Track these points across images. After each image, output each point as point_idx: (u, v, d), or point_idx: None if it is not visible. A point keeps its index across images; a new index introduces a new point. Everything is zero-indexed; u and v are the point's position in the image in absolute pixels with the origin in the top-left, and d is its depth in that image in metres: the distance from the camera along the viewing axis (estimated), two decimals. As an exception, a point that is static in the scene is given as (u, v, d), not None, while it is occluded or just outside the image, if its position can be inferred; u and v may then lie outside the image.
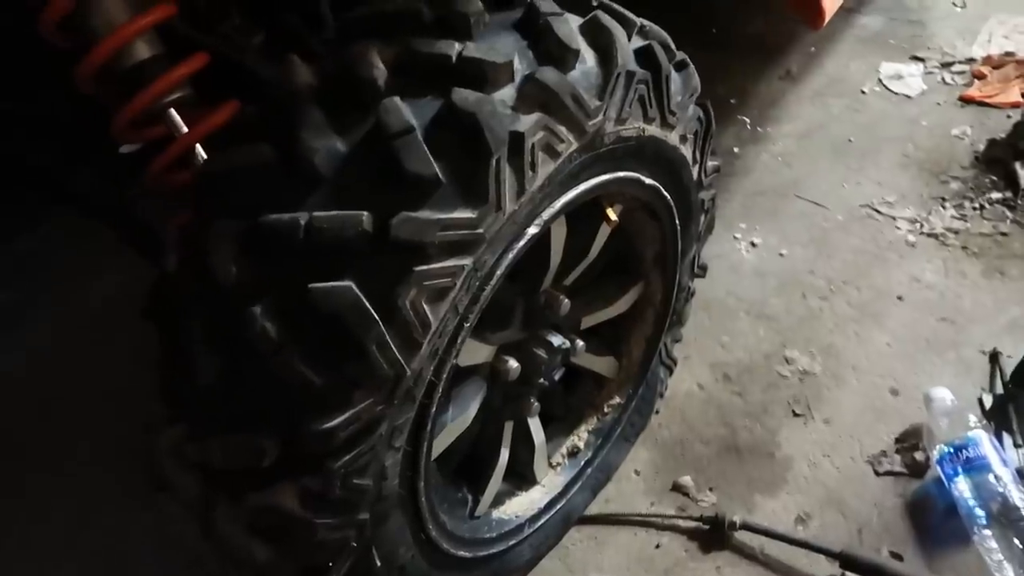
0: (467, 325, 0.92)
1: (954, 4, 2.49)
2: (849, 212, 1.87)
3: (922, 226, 1.81)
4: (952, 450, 1.32)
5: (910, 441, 1.42)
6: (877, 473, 1.39)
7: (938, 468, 1.34)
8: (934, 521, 1.32)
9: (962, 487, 1.29)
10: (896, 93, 2.18)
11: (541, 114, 0.89)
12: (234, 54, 1.29)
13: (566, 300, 1.17)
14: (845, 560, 1.24)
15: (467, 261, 0.86)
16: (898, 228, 1.81)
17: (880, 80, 2.23)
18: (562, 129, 0.92)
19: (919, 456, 1.39)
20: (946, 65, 2.25)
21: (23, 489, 1.48)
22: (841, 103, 2.18)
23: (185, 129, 1.11)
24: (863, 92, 2.21)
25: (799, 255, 1.78)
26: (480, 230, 0.85)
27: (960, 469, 1.30)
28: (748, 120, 2.17)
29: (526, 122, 0.87)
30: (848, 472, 1.40)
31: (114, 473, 1.47)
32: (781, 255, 1.79)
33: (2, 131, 1.39)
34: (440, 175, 0.82)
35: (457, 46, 0.88)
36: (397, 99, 0.84)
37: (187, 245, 0.89)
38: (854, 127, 2.10)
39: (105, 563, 1.37)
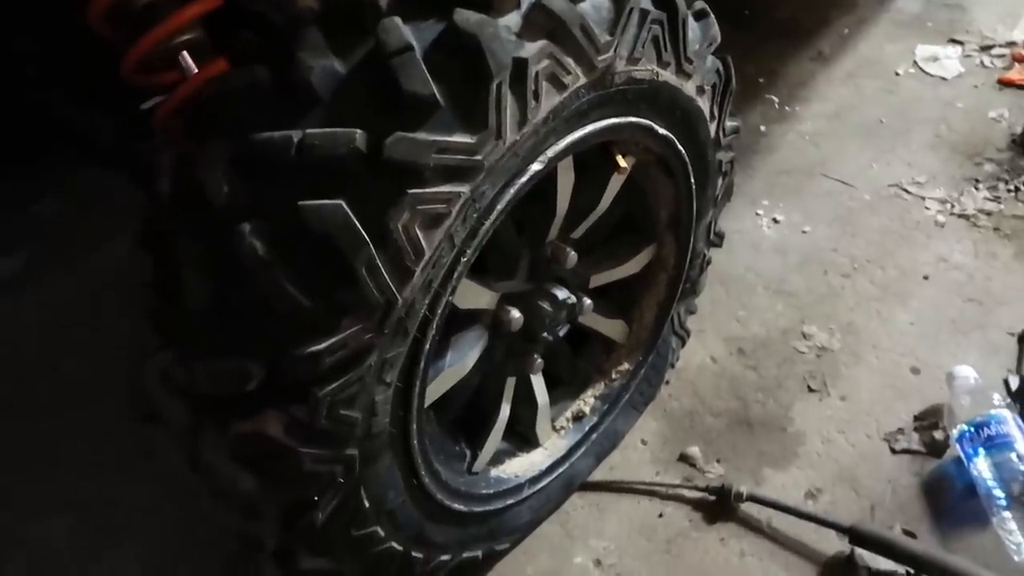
0: (464, 260, 0.89)
1: (996, -11, 2.42)
2: (877, 192, 1.81)
3: (953, 207, 1.75)
4: (973, 428, 1.26)
5: (929, 420, 1.37)
6: (893, 451, 1.34)
7: (957, 447, 1.29)
8: (951, 501, 1.27)
9: (982, 467, 1.24)
10: (932, 75, 2.12)
11: (547, 42, 0.86)
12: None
13: (573, 253, 1.14)
14: (855, 535, 1.19)
15: (464, 188, 0.83)
16: (927, 208, 1.75)
17: (915, 62, 2.17)
18: (569, 61, 0.89)
19: (938, 435, 1.34)
20: (985, 48, 2.18)
21: (25, 448, 1.47)
22: (874, 85, 2.12)
23: (196, 71, 1.10)
24: (897, 74, 2.15)
25: (822, 233, 1.73)
26: (478, 157, 0.82)
27: (981, 448, 1.25)
28: (776, 99, 2.12)
29: (530, 49, 0.84)
30: (863, 449, 1.35)
31: (111, 436, 1.46)
32: (804, 232, 1.74)
33: (17, 71, 1.39)
34: (438, 96, 0.79)
35: (463, -30, 0.85)
36: (397, 19, 0.82)
37: (180, 168, 0.88)
38: (886, 108, 2.04)
39: (102, 518, 1.36)
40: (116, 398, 1.51)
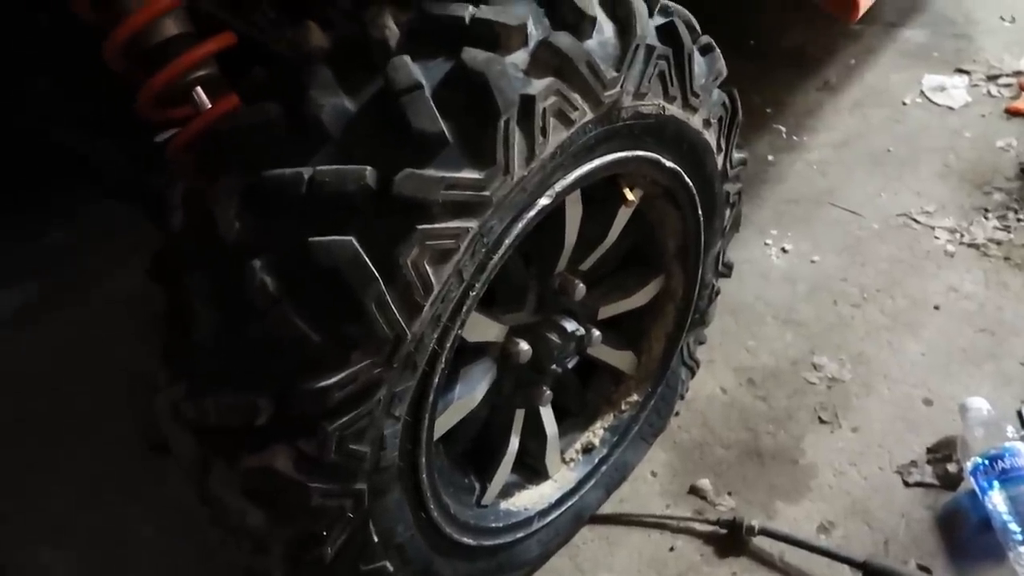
0: (473, 294, 0.89)
1: (1002, 19, 2.42)
2: (885, 221, 1.81)
3: (962, 236, 1.74)
4: (987, 461, 1.25)
5: (943, 452, 1.35)
6: (906, 484, 1.33)
7: (972, 480, 1.27)
8: (966, 535, 1.25)
9: (997, 500, 1.22)
10: (939, 105, 2.13)
11: (554, 79, 0.87)
12: (260, 36, 1.30)
13: (581, 285, 1.15)
14: (869, 570, 1.18)
15: (472, 224, 0.84)
16: (937, 238, 1.75)
17: (922, 92, 2.18)
18: (576, 97, 0.90)
19: (952, 468, 1.32)
20: (992, 78, 2.19)
21: (29, 476, 1.48)
22: (881, 114, 2.13)
23: (209, 106, 1.12)
24: (904, 103, 2.15)
25: (831, 262, 1.73)
26: (487, 192, 0.83)
27: (995, 481, 1.24)
28: (783, 129, 2.13)
29: (538, 86, 0.85)
30: (876, 482, 1.34)
31: (115, 465, 1.46)
32: (813, 262, 1.74)
33: (32, 106, 1.42)
34: (447, 133, 0.81)
35: (470, 8, 0.87)
36: (406, 58, 0.83)
37: (192, 203, 0.89)
38: (893, 137, 2.04)
39: (105, 549, 1.36)
40: (123, 427, 1.51)
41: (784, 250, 1.78)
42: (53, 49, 1.34)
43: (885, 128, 2.08)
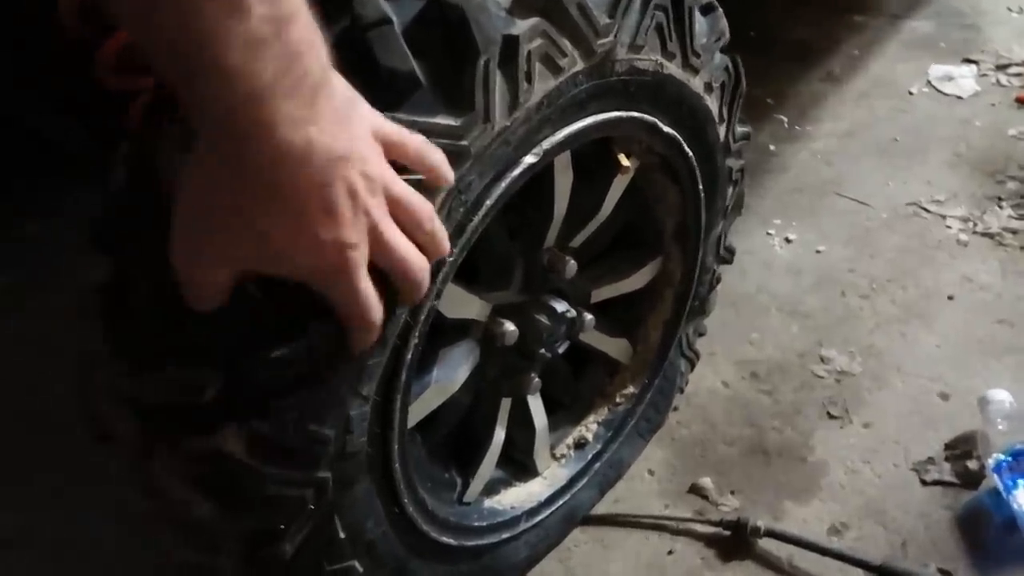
0: (450, 259, 0.80)
1: (1009, 9, 2.36)
2: (894, 210, 1.73)
3: (976, 225, 1.66)
4: (1011, 457, 1.16)
5: (962, 448, 1.26)
6: (924, 482, 1.23)
7: (994, 477, 1.18)
8: (989, 536, 1.16)
9: (1022, 499, 1.13)
10: (947, 94, 2.05)
11: (540, 19, 0.78)
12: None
13: (572, 262, 1.06)
14: (886, 574, 1.08)
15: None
16: (948, 227, 1.67)
17: (929, 82, 2.10)
18: (565, 42, 0.81)
19: (972, 464, 1.23)
20: (1001, 67, 2.12)
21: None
22: (887, 104, 2.05)
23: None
24: (911, 93, 2.08)
25: (838, 253, 1.64)
26: (464, 142, 0.75)
27: (1020, 479, 1.14)
28: (786, 119, 2.05)
29: (522, 26, 0.77)
30: (890, 480, 1.24)
31: (81, 463, 1.36)
32: (818, 252, 1.65)
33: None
34: (419, 74, 0.72)
35: (449, -60, 0.78)
36: (376, -8, 0.74)
37: (134, 158, 0.80)
38: (900, 127, 1.97)
39: (63, 556, 1.26)
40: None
41: (788, 240, 1.69)
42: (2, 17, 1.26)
43: (892, 118, 2.00)
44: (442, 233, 0.69)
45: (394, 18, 0.73)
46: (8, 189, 1.95)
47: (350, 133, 0.59)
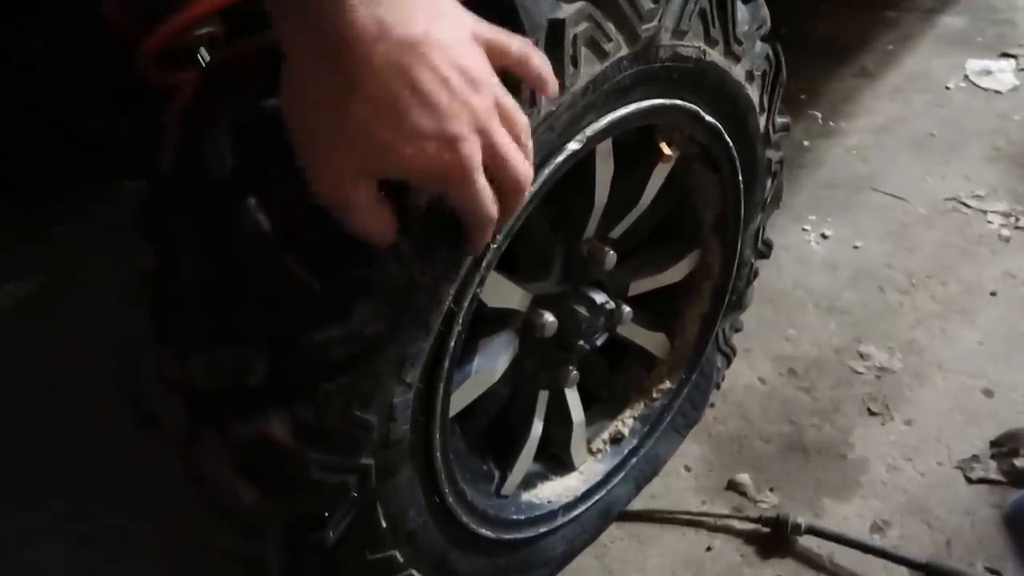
0: (493, 246, 0.80)
1: (1048, 3, 2.32)
2: (932, 205, 1.70)
3: (1018, 220, 1.63)
4: (1061, 454, 1.13)
5: (1008, 446, 1.23)
6: (969, 480, 1.21)
7: (1043, 475, 1.15)
8: (1039, 535, 1.13)
9: (1073, 497, 1.11)
10: (985, 89, 2.02)
11: (586, 2, 0.78)
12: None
13: (612, 253, 1.05)
14: (932, 572, 1.06)
15: (494, 161, 0.74)
16: (990, 222, 1.64)
17: (966, 76, 2.07)
18: (610, 27, 0.80)
19: (1019, 462, 1.20)
20: (1040, 62, 2.08)
21: (28, 470, 1.39)
22: (923, 99, 2.02)
23: (214, 65, 1.03)
24: (947, 88, 2.05)
25: (875, 248, 1.62)
26: (510, 126, 0.74)
27: (1071, 476, 1.12)
28: (819, 115, 2.03)
29: (568, 9, 0.76)
30: (934, 478, 1.22)
31: (115, 459, 1.37)
32: (855, 248, 1.63)
33: (29, 72, 1.34)
34: (467, 57, 0.71)
35: (496, -75, 0.78)
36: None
37: (184, 142, 0.80)
38: (937, 122, 1.94)
39: (106, 544, 1.27)
40: (125, 419, 1.42)
41: (824, 236, 1.67)
42: (46, 7, 1.27)
43: (928, 112, 1.97)
44: (531, 155, 0.66)
45: (441, 1, 0.73)
46: (40, 189, 1.97)
47: (430, 18, 0.57)
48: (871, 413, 1.32)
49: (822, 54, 2.25)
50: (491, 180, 0.63)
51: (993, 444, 1.24)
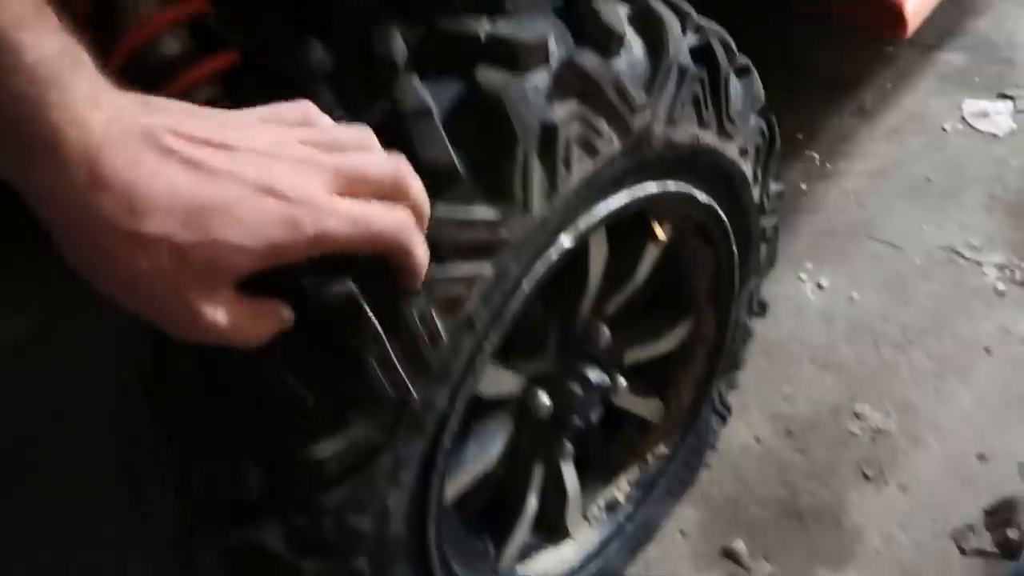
0: (487, 344, 0.79)
1: (1045, 42, 2.32)
2: (928, 255, 1.70)
3: (1013, 273, 1.62)
4: (1056, 527, 1.13)
5: (1002, 515, 1.23)
6: (963, 551, 1.21)
7: (1038, 547, 1.15)
8: (1032, 610, 1.13)
9: (1068, 572, 1.10)
10: (981, 132, 2.01)
11: (578, 103, 0.78)
12: (262, 54, 1.22)
13: (607, 330, 1.05)
14: (926, 650, 1.06)
15: (486, 268, 0.74)
16: (985, 274, 1.63)
17: (963, 118, 2.07)
18: (603, 124, 0.80)
19: (1012, 534, 1.20)
20: (1037, 105, 2.08)
21: (14, 520, 1.38)
22: (919, 141, 2.02)
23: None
24: (944, 130, 2.04)
25: (871, 300, 1.62)
26: (503, 233, 0.74)
27: (1065, 550, 1.11)
28: (817, 156, 2.03)
29: (560, 111, 0.76)
30: (928, 548, 1.22)
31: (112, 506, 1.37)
32: (851, 299, 1.63)
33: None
34: (458, 166, 0.71)
35: (486, 23, 0.77)
36: (415, 78, 0.74)
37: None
38: (933, 166, 1.93)
39: None
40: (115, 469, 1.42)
41: (820, 286, 1.67)
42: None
43: (925, 156, 1.97)
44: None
45: (433, 107, 0.72)
46: (38, 226, 1.96)
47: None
48: (866, 478, 1.32)
49: (820, 89, 2.24)
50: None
51: (987, 513, 1.24)
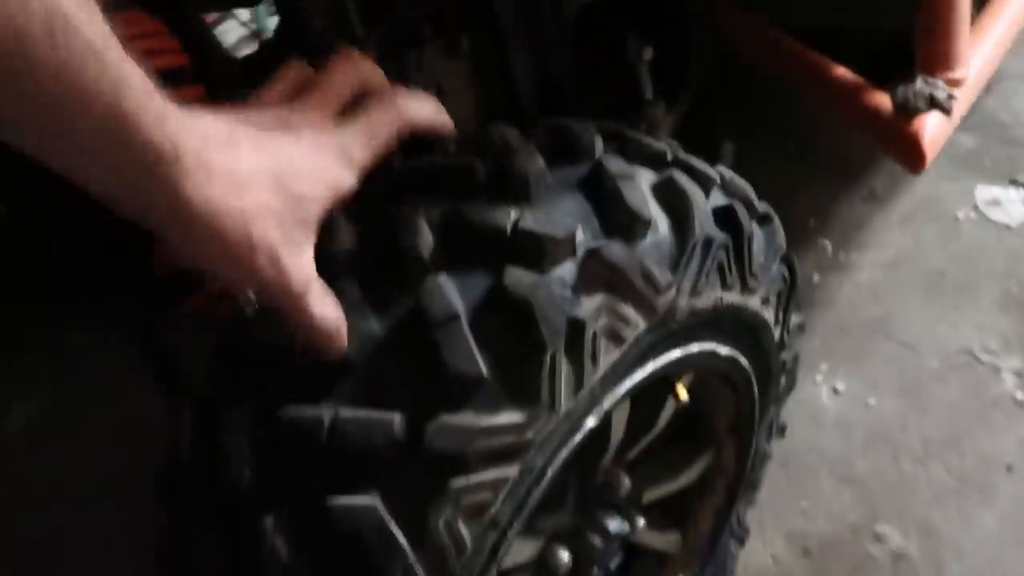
0: (510, 535, 0.79)
1: (1055, 125, 2.32)
2: (945, 358, 1.69)
3: (1031, 381, 1.62)
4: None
5: (1028, 652, 1.21)
6: None
7: None
8: None
9: None
10: (995, 222, 2.01)
11: (605, 295, 0.77)
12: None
13: (627, 480, 1.04)
14: None
15: (513, 471, 0.74)
16: (1004, 381, 1.62)
17: (976, 206, 2.07)
18: (629, 311, 0.80)
19: (1040, 673, 1.18)
20: (1050, 193, 2.08)
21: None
22: (933, 230, 2.02)
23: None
24: (957, 218, 2.04)
25: (889, 407, 1.61)
26: (529, 435, 0.73)
27: None
28: (829, 244, 2.03)
29: (587, 306, 0.76)
30: None
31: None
32: (868, 405, 1.62)
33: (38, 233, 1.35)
34: (485, 373, 0.71)
35: (513, 214, 0.77)
36: (442, 278, 0.74)
37: (202, 426, 0.80)
38: (948, 258, 1.93)
39: None
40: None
41: (836, 390, 1.66)
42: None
43: (939, 247, 1.97)
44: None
45: (460, 310, 0.72)
46: (50, 293, 1.96)
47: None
48: (888, 606, 1.30)
49: (831, 171, 2.25)
50: None
51: (1012, 649, 1.23)
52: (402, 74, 1.40)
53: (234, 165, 0.55)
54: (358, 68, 0.71)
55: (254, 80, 1.35)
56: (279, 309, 0.65)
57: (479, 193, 0.81)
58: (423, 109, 0.73)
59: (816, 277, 1.94)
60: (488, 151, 0.88)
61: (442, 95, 1.46)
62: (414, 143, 0.81)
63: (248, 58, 1.34)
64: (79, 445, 1.70)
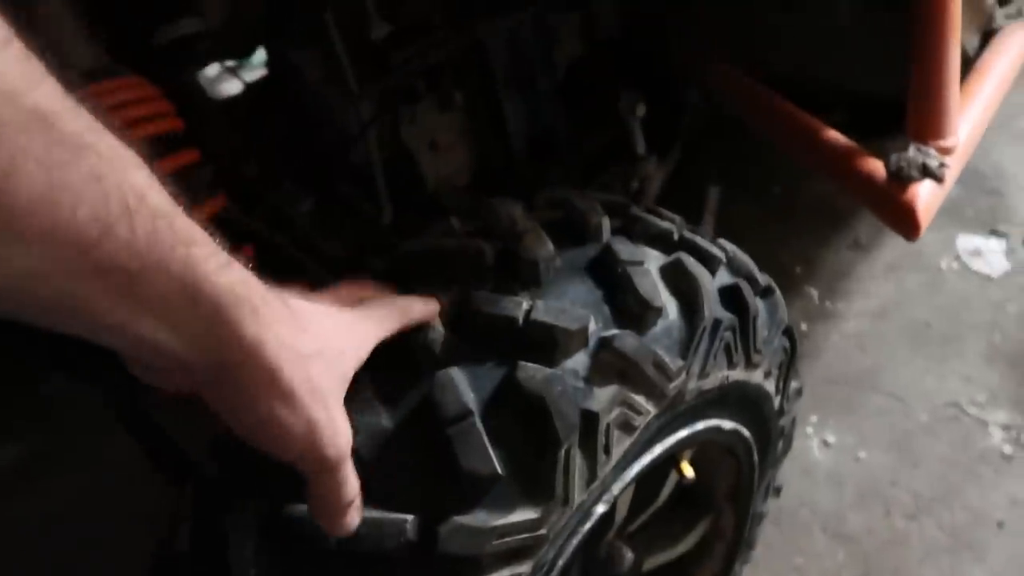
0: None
1: (1032, 174, 2.37)
2: (934, 412, 1.70)
3: (1019, 435, 1.63)
4: None
5: None
6: None
7: None
8: None
9: None
10: (976, 272, 2.04)
11: (618, 387, 0.77)
12: (280, 239, 1.23)
13: (630, 553, 1.03)
14: None
15: (526, 568, 0.73)
16: (991, 435, 1.64)
17: (958, 256, 2.10)
18: (640, 400, 0.80)
19: None
20: (1030, 243, 2.12)
21: None
22: (917, 280, 2.05)
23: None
24: (940, 268, 2.07)
25: (879, 461, 1.62)
26: (543, 531, 0.72)
27: None
28: (816, 293, 2.05)
29: (600, 398, 0.75)
30: None
31: None
32: (858, 459, 1.63)
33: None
34: (499, 470, 0.70)
35: (524, 305, 0.77)
36: (454, 372, 0.73)
37: (204, 521, 0.77)
38: (933, 309, 1.95)
39: None
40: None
41: (826, 443, 1.66)
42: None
43: (923, 297, 1.99)
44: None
45: (474, 407, 0.71)
46: (36, 346, 1.92)
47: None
48: (884, 670, 1.30)
49: (815, 219, 2.28)
50: None
51: None
52: (395, 128, 1.40)
53: (290, 312, 0.57)
54: (363, 288, 0.76)
55: (239, 126, 1.33)
56: (308, 466, 0.61)
57: (488, 278, 0.81)
58: (415, 306, 0.75)
59: (804, 326, 1.95)
60: (494, 231, 0.88)
61: (436, 149, 1.47)
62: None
63: (234, 101, 1.33)
64: (56, 496, 1.66)
